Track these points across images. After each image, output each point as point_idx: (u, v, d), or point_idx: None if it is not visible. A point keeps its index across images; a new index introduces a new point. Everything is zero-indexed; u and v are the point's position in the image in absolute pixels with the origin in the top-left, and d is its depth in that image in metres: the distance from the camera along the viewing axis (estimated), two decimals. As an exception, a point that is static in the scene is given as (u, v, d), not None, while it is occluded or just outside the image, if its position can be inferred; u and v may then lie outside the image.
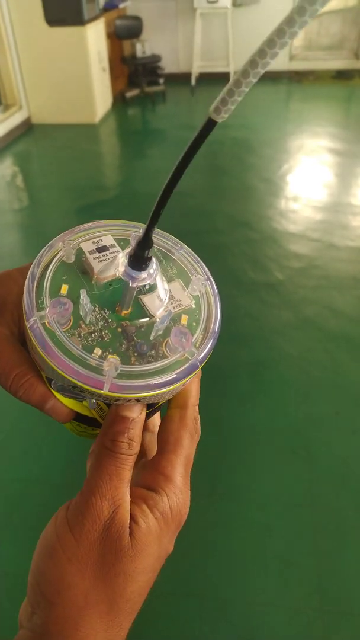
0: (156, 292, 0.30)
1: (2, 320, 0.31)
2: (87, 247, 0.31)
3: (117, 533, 0.26)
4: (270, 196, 3.25)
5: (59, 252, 0.31)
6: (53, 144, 4.45)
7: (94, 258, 0.30)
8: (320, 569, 1.29)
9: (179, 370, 0.28)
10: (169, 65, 5.87)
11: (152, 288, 0.29)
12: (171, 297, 0.31)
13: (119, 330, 0.29)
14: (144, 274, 0.28)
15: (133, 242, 0.32)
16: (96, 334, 0.28)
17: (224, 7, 5.32)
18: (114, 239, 0.32)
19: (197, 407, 0.32)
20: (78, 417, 0.32)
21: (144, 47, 5.42)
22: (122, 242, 0.32)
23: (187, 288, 0.32)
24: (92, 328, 0.28)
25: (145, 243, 0.27)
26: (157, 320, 0.29)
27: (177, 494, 0.29)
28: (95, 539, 0.26)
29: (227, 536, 1.37)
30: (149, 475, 0.30)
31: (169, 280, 0.32)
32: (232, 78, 0.19)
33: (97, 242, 0.31)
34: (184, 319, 0.30)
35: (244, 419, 1.70)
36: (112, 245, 0.31)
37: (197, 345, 0.29)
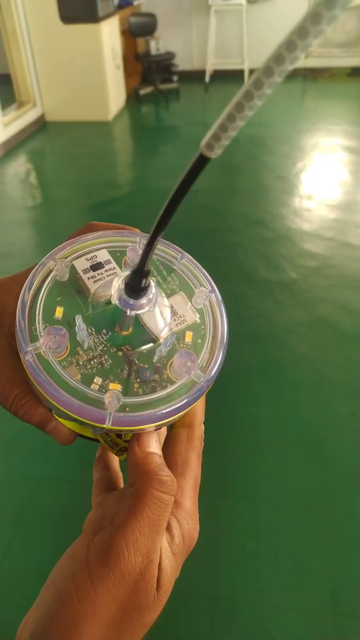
0: (158, 310, 0.28)
1: (0, 334, 0.29)
2: (80, 265, 0.29)
3: (145, 590, 0.24)
4: (284, 194, 3.22)
5: (52, 269, 0.29)
6: (66, 141, 4.46)
7: (88, 278, 0.29)
8: (333, 571, 1.27)
9: (186, 395, 0.26)
10: (183, 63, 5.85)
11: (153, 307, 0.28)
12: (174, 312, 0.29)
13: (120, 354, 0.27)
14: (142, 301, 0.26)
15: (130, 255, 0.30)
16: (95, 360, 0.26)
17: (239, 4, 5.28)
18: (109, 252, 0.30)
19: (203, 425, 0.31)
20: (81, 436, 0.30)
21: (158, 44, 5.41)
22: (119, 254, 0.30)
23: (190, 301, 0.30)
24: (91, 354, 0.26)
25: (142, 274, 0.25)
26: (160, 341, 0.28)
27: (187, 520, 0.27)
28: (119, 594, 0.23)
29: (238, 537, 1.36)
30: None
31: (171, 293, 0.30)
32: (224, 112, 0.17)
33: (91, 258, 0.30)
34: (189, 336, 0.29)
35: (256, 420, 1.69)
36: (108, 262, 0.30)
37: (203, 365, 0.28)
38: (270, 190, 3.29)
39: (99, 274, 0.29)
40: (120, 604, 0.23)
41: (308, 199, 3.13)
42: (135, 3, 5.33)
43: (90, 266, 0.29)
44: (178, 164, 3.76)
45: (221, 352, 0.28)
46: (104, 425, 0.24)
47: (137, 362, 0.27)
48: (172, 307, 0.29)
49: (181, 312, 0.29)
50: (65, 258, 0.29)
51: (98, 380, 0.26)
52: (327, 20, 0.14)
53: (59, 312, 0.27)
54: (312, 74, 5.90)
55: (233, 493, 1.46)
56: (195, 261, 0.32)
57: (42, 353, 0.25)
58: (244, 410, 1.72)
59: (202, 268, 0.32)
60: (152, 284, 0.26)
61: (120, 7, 5.02)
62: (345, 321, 2.09)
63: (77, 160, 4.02)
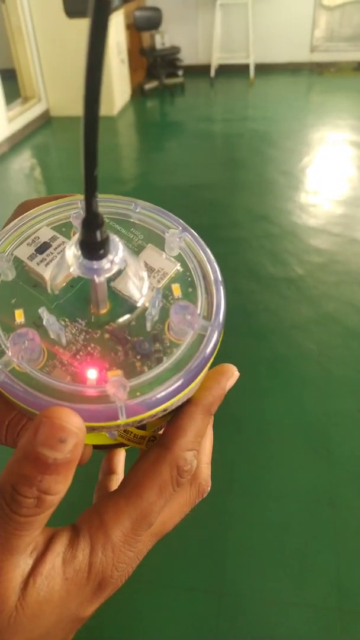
0: (130, 272, 0.23)
1: None
2: (23, 252, 0.25)
3: None
4: (290, 190, 3.20)
5: None
6: (71, 137, 4.45)
7: (38, 263, 0.24)
8: (339, 568, 1.27)
9: (199, 352, 0.22)
10: (188, 57, 5.82)
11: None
12: (150, 269, 0.25)
13: (107, 336, 0.23)
14: (106, 262, 0.21)
15: (76, 223, 0.25)
16: (82, 352, 0.22)
17: (245, -2, 5.25)
18: (51, 228, 0.26)
19: (189, 453, 0.23)
20: (98, 448, 0.27)
21: (163, 39, 5.37)
22: (64, 229, 0.26)
23: (164, 250, 0.26)
24: (74, 348, 0.22)
25: (93, 222, 0.20)
26: (147, 305, 0.24)
27: (106, 550, 0.21)
28: None
29: (245, 533, 1.36)
30: (85, 512, 0.23)
31: (139, 249, 0.26)
32: None
33: (33, 240, 0.25)
34: (176, 289, 0.25)
35: (262, 416, 1.68)
36: (53, 238, 0.25)
37: (205, 314, 0.24)
38: (276, 186, 3.28)
39: (48, 255, 0.24)
40: None
41: (314, 194, 3.11)
42: (140, -3, 5.31)
43: (35, 250, 0.25)
44: (183, 159, 3.74)
45: (220, 291, 0.25)
46: (119, 422, 0.20)
47: (129, 337, 0.23)
48: (145, 264, 0.25)
49: (158, 266, 0.25)
50: (4, 252, 0.24)
51: (93, 373, 0.22)
52: None
53: (19, 315, 0.23)
54: (318, 69, 5.86)
55: (239, 489, 1.46)
56: (154, 206, 0.28)
57: (17, 367, 0.21)
58: (250, 406, 1.71)
59: (163, 210, 0.27)
60: (113, 236, 0.22)
61: (125, 1, 4.99)
62: (352, 317, 2.08)
63: (82, 156, 4.01)
